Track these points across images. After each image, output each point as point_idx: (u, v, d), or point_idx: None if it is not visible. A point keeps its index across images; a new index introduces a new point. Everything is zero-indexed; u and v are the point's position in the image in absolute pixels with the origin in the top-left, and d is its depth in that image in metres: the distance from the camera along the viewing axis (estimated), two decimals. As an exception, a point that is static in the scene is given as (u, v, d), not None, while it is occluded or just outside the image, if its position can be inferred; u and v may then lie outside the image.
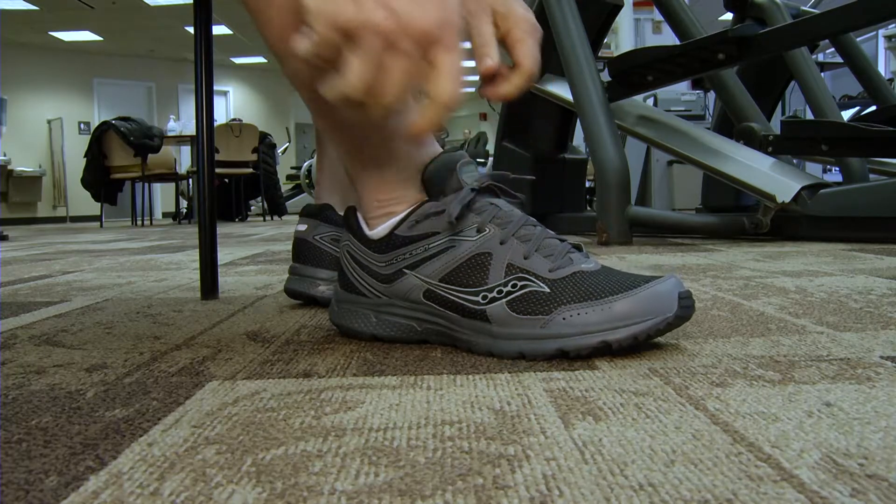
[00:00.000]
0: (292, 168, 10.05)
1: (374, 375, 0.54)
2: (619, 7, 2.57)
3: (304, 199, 8.24)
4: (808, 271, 1.17)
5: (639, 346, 0.58)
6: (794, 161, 2.95)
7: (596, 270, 0.60)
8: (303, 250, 0.92)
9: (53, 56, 10.34)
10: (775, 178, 1.97)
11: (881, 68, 6.71)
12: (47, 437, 0.41)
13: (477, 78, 0.61)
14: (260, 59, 11.62)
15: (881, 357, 0.55)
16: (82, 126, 10.54)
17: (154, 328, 0.78)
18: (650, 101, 4.55)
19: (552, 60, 2.45)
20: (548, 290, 0.58)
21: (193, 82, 1.03)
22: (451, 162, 0.62)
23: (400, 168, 0.63)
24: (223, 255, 1.91)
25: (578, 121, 2.34)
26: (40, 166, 10.32)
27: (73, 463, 0.37)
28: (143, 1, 8.50)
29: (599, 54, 2.81)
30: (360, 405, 0.46)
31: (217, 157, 5.43)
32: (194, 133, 1.05)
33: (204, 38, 1.02)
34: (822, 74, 2.88)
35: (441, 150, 0.65)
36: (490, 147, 9.20)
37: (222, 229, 4.18)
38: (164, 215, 9.94)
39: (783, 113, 4.64)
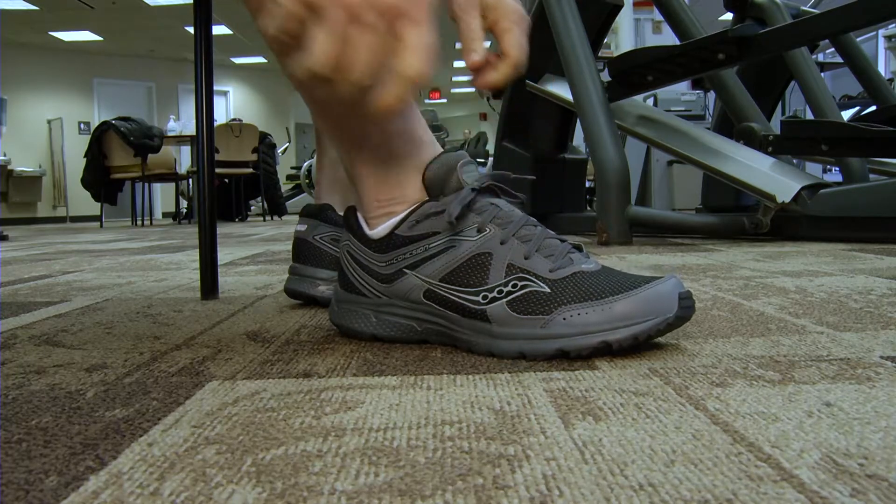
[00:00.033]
0: (292, 168, 10.05)
1: (374, 375, 0.54)
2: (619, 7, 2.57)
3: (304, 199, 8.24)
4: (808, 271, 1.17)
5: (639, 347, 0.58)
6: (794, 161, 2.95)
7: (596, 271, 0.60)
8: (303, 250, 0.92)
9: (53, 56, 10.34)
10: (775, 178, 1.97)
11: (881, 68, 6.71)
12: (47, 437, 0.41)
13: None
14: (260, 59, 11.62)
15: (881, 357, 0.55)
16: (82, 126, 10.54)
17: (154, 328, 0.78)
18: (650, 101, 4.55)
19: (552, 60, 2.45)
20: (548, 291, 0.58)
21: (193, 82, 1.03)
22: (451, 162, 0.62)
23: (400, 168, 0.63)
24: (223, 255, 1.91)
25: (578, 121, 2.34)
26: (40, 166, 10.32)
27: (73, 463, 0.37)
28: (143, 1, 8.50)
29: (599, 54, 2.81)
30: (360, 405, 0.46)
31: (217, 157, 5.43)
32: (194, 133, 1.05)
33: (204, 38, 1.02)
34: (822, 74, 2.87)
35: (441, 150, 0.65)
36: (490, 147, 9.20)
37: (222, 229, 4.18)
38: (164, 215, 9.94)
39: (783, 113, 4.64)
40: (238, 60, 11.71)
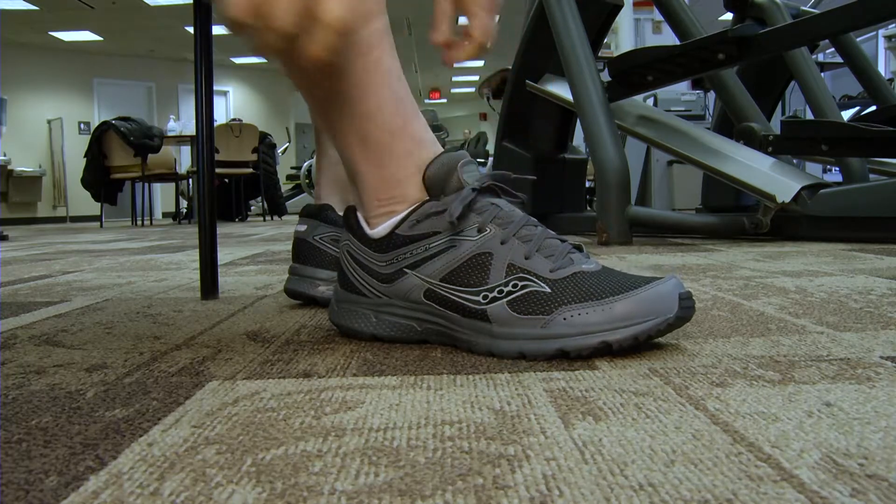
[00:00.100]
0: (292, 168, 10.05)
1: (374, 375, 0.54)
2: (619, 7, 2.57)
3: (304, 199, 8.24)
4: (808, 271, 1.17)
5: (639, 347, 0.58)
6: (794, 161, 2.95)
7: (597, 271, 0.60)
8: (303, 250, 0.92)
9: (53, 56, 10.34)
10: (775, 178, 1.97)
11: (881, 68, 6.71)
12: (47, 437, 0.41)
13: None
14: (260, 59, 11.62)
15: (881, 357, 0.55)
16: (82, 126, 10.54)
17: (154, 328, 0.78)
18: (650, 101, 4.55)
19: (552, 60, 2.45)
20: (549, 291, 0.58)
21: (193, 82, 1.03)
22: (452, 161, 0.62)
23: (400, 167, 0.63)
24: (223, 255, 1.91)
25: (578, 121, 2.34)
26: (40, 166, 10.32)
27: (73, 463, 0.37)
28: (143, 1, 8.50)
29: (599, 54, 2.81)
30: (360, 405, 0.46)
31: (217, 157, 5.43)
32: (194, 133, 1.05)
33: (204, 38, 1.02)
34: (822, 74, 2.87)
35: (442, 149, 0.65)
36: (490, 147, 9.20)
37: (222, 229, 4.18)
38: (164, 215, 9.95)
39: (783, 113, 4.64)
40: (238, 60, 11.71)
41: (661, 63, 2.16)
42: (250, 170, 6.46)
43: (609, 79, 2.26)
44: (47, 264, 1.80)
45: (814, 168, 4.58)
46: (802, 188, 1.93)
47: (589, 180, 3.60)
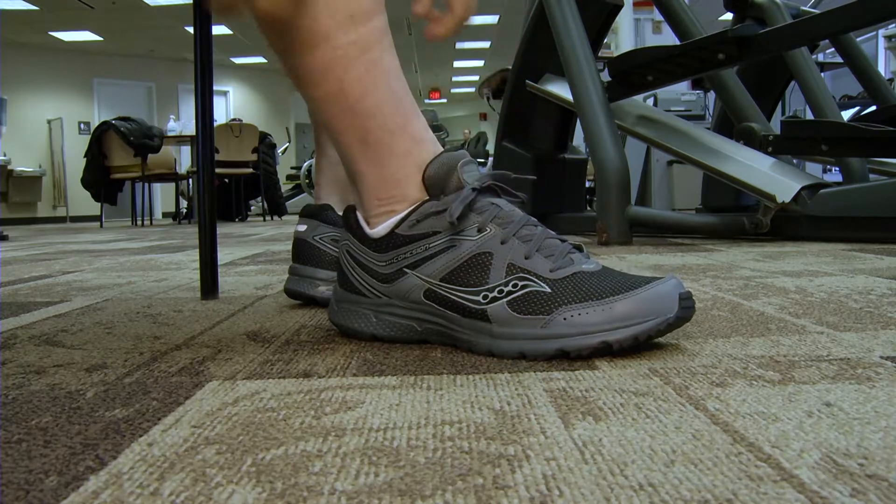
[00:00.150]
0: (292, 168, 10.05)
1: (374, 375, 0.54)
2: (619, 7, 2.57)
3: (304, 199, 8.25)
4: (808, 271, 1.17)
5: (639, 347, 0.58)
6: (794, 161, 2.95)
7: (597, 271, 0.60)
8: (302, 250, 0.92)
9: (53, 56, 10.34)
10: (775, 178, 1.97)
11: (881, 68, 6.71)
12: (47, 437, 0.41)
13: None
14: (260, 59, 11.63)
15: (881, 357, 0.55)
16: (82, 126, 10.54)
17: (154, 328, 0.78)
18: (650, 101, 4.55)
19: (552, 60, 2.45)
20: (549, 291, 0.58)
21: (193, 82, 1.03)
22: (452, 161, 0.62)
23: (400, 166, 0.63)
24: (223, 255, 1.91)
25: (578, 121, 2.34)
26: (40, 166, 10.32)
27: (73, 463, 0.37)
28: (143, 1, 8.50)
29: (599, 54, 2.81)
30: (360, 405, 0.46)
31: (217, 157, 5.44)
32: (194, 133, 1.05)
33: (204, 38, 1.02)
34: (822, 74, 2.87)
35: (441, 149, 0.65)
36: (490, 147, 9.20)
37: (222, 229, 4.18)
38: (164, 215, 9.95)
39: (783, 113, 4.64)
40: (238, 60, 11.71)
41: (661, 63, 2.16)
42: (250, 170, 6.46)
43: (609, 79, 2.26)
44: (47, 264, 1.80)
45: (814, 168, 4.58)
46: (802, 188, 1.93)
47: (589, 180, 3.60)
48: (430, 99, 15.86)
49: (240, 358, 0.61)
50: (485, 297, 0.59)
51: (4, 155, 9.61)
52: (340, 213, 0.89)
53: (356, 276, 0.67)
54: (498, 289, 0.59)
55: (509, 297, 0.59)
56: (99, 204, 6.40)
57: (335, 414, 0.44)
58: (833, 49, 3.06)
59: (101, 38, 10.11)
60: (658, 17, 5.33)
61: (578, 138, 2.82)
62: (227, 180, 6.54)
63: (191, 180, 6.84)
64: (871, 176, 2.58)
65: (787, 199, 1.92)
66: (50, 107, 10.38)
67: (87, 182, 6.23)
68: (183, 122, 7.29)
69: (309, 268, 0.91)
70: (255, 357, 0.61)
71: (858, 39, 2.84)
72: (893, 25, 5.39)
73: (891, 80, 4.73)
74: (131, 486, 0.33)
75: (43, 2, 8.38)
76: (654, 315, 0.56)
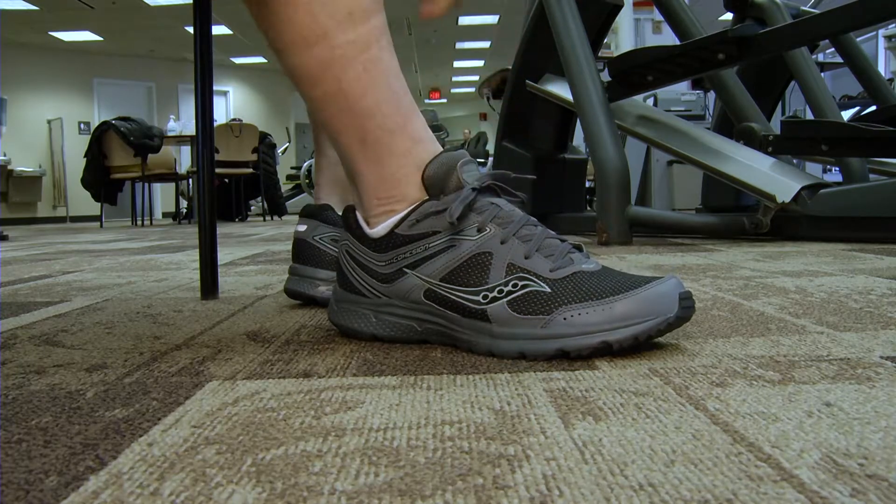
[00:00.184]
0: (292, 168, 10.05)
1: (374, 375, 0.54)
2: (619, 7, 2.57)
3: (304, 199, 8.25)
4: (808, 271, 1.17)
5: (639, 347, 0.58)
6: (794, 161, 2.95)
7: (597, 271, 0.60)
8: (302, 250, 0.92)
9: (53, 56, 10.34)
10: (775, 178, 1.97)
11: (881, 68, 6.71)
12: (47, 437, 0.41)
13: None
14: (260, 59, 11.63)
15: (881, 357, 0.55)
16: (82, 126, 10.54)
17: (154, 328, 0.78)
18: (650, 101, 4.55)
19: (552, 60, 2.45)
20: (549, 290, 0.58)
21: (193, 82, 1.03)
22: (451, 161, 0.62)
23: (400, 166, 0.63)
24: (223, 255, 1.91)
25: (578, 121, 2.34)
26: (40, 166, 10.32)
27: (73, 463, 0.37)
28: (143, 1, 8.50)
29: (599, 54, 2.81)
30: (360, 405, 0.46)
31: (217, 157, 5.44)
32: (194, 133, 1.05)
33: (204, 38, 1.02)
34: (822, 74, 2.87)
35: (441, 149, 0.65)
36: (490, 147, 9.20)
37: (222, 229, 4.18)
38: (164, 215, 9.95)
39: (783, 113, 4.64)
40: (238, 60, 11.71)
41: (661, 63, 2.16)
42: (250, 170, 6.46)
43: (609, 79, 2.26)
44: (47, 264, 1.80)
45: (814, 168, 4.58)
46: (802, 188, 1.93)
47: (589, 180, 3.60)
48: (430, 99, 15.86)
49: (240, 358, 0.61)
50: (485, 296, 0.59)
51: (4, 155, 9.61)
52: (340, 213, 0.89)
53: (356, 276, 0.67)
54: (498, 289, 0.59)
55: (509, 297, 0.59)
56: (99, 204, 6.40)
57: (335, 414, 0.44)
58: (833, 49, 3.06)
59: (101, 38, 10.11)
60: (658, 17, 5.33)
61: (578, 138, 2.82)
62: (227, 180, 6.54)
63: (191, 180, 6.85)
64: (871, 176, 2.58)
65: (787, 199, 1.92)
66: (50, 107, 10.38)
67: (87, 182, 6.23)
68: (183, 122, 7.29)
69: (309, 268, 0.91)
70: (255, 357, 0.61)
71: (858, 39, 2.84)
72: (893, 25, 5.39)
73: (891, 80, 4.73)
74: (131, 486, 0.33)
75: (43, 2, 8.38)
76: (654, 315, 0.56)
